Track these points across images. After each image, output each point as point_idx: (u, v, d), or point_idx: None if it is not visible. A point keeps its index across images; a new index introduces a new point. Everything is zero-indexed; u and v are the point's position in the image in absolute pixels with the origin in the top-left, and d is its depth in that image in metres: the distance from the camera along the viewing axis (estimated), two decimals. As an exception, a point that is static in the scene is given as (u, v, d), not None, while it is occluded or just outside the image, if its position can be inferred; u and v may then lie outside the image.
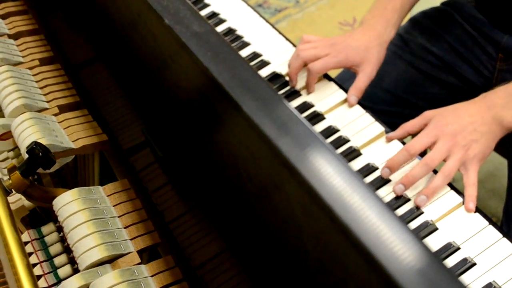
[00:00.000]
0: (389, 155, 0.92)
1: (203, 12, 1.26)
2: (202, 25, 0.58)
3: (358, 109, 1.00)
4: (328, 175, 0.45)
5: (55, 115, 0.89)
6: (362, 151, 0.94)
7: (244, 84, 0.52)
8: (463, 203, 0.86)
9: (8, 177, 0.77)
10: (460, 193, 0.87)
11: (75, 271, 0.74)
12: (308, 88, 1.06)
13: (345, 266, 0.47)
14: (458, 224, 0.84)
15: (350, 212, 0.43)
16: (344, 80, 1.20)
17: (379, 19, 1.06)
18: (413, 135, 0.94)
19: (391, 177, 0.90)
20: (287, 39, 1.16)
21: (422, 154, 0.98)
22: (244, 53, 1.14)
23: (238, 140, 0.58)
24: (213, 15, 1.25)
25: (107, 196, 0.79)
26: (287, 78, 1.08)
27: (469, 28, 1.19)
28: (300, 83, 1.06)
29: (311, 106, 1.02)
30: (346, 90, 1.03)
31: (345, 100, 1.02)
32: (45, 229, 0.79)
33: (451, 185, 0.88)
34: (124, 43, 0.88)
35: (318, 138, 0.48)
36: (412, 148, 0.89)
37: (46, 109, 0.90)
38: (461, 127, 0.90)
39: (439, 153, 0.88)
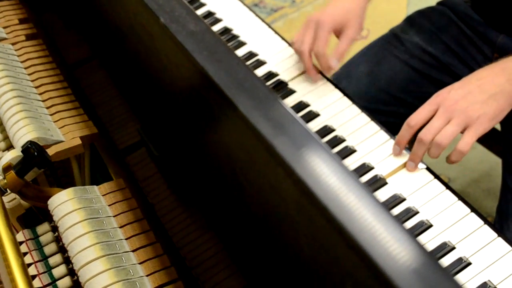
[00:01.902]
0: (385, 154, 0.92)
1: (199, 12, 1.26)
2: (198, 24, 0.58)
3: (355, 108, 1.00)
4: (324, 175, 0.45)
5: (51, 114, 0.89)
6: (358, 150, 0.94)
7: (240, 83, 0.52)
8: (457, 199, 0.85)
9: (3, 176, 0.77)
10: (455, 192, 0.87)
11: (70, 271, 0.74)
12: (328, 69, 1.04)
13: (341, 266, 0.47)
14: (454, 224, 0.84)
15: (346, 211, 0.43)
16: (340, 80, 1.21)
17: None
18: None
19: (387, 180, 0.90)
20: (283, 38, 1.16)
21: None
22: (240, 52, 1.14)
23: (234, 139, 0.58)
24: (209, 14, 1.25)
25: (103, 195, 0.79)
26: (282, 77, 1.07)
27: (465, 28, 1.19)
28: (298, 82, 1.06)
29: (307, 105, 1.02)
30: (341, 90, 1.03)
31: (341, 99, 1.02)
32: (40, 228, 0.78)
33: (446, 185, 0.88)
34: (120, 42, 0.88)
35: (314, 137, 0.48)
36: (411, 121, 0.87)
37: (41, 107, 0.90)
38: (465, 92, 0.86)
39: (438, 122, 0.85)
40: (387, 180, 0.90)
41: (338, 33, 1.05)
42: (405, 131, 0.89)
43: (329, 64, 1.02)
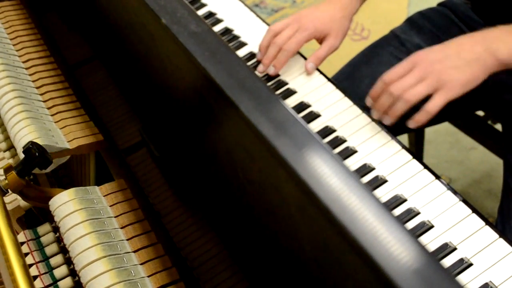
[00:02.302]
0: (386, 155, 0.92)
1: (200, 12, 1.26)
2: (199, 25, 0.58)
3: (355, 109, 1.00)
4: (326, 176, 0.45)
5: (52, 115, 0.89)
6: (359, 150, 0.94)
7: (242, 84, 0.52)
8: (459, 200, 0.85)
9: (4, 177, 0.77)
10: (457, 193, 0.87)
11: (71, 271, 0.74)
12: (277, 65, 1.06)
13: (342, 266, 0.47)
14: (455, 225, 0.84)
15: (347, 212, 0.43)
16: (341, 80, 1.20)
17: None
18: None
19: (387, 178, 0.90)
20: (283, 39, 1.16)
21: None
22: (241, 53, 1.14)
23: (235, 140, 0.58)
24: (210, 15, 1.25)
25: (104, 196, 0.79)
26: (282, 77, 1.07)
27: (465, 29, 1.19)
28: (299, 82, 1.06)
29: (308, 106, 1.02)
30: (342, 90, 1.03)
31: (342, 100, 1.02)
32: (41, 229, 0.78)
33: (447, 186, 0.88)
34: (121, 42, 0.88)
35: (315, 138, 0.48)
36: (386, 77, 0.89)
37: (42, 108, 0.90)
38: (443, 55, 0.88)
39: (410, 79, 0.87)
40: (388, 180, 0.90)
41: (319, 39, 1.08)
42: (379, 87, 0.91)
43: (305, 67, 1.06)
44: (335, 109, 1.01)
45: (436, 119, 1.33)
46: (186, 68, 0.62)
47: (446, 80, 0.86)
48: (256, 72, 0.92)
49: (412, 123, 0.90)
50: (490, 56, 0.87)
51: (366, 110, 1.00)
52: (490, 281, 0.77)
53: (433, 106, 0.87)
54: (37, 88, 0.94)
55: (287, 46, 1.04)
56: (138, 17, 0.70)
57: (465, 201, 0.86)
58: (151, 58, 0.75)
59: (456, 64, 0.87)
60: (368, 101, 0.94)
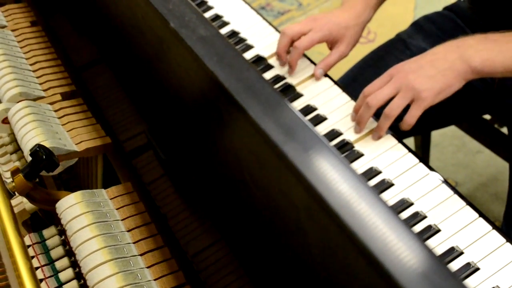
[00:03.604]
0: (392, 158, 0.92)
1: (207, 15, 1.26)
2: (208, 29, 0.58)
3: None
4: (334, 180, 0.45)
5: (59, 118, 0.89)
6: (365, 153, 0.94)
7: (250, 89, 0.52)
8: (465, 204, 0.85)
9: (11, 179, 0.77)
10: (463, 197, 0.87)
11: (77, 274, 0.74)
12: (291, 65, 1.07)
13: (349, 270, 0.47)
14: (462, 229, 0.83)
15: (357, 218, 0.43)
16: (347, 83, 1.20)
17: (359, 0, 1.08)
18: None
19: (394, 181, 0.90)
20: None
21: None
22: (247, 56, 1.14)
23: (243, 144, 0.58)
24: (216, 17, 1.25)
25: (110, 199, 0.79)
26: (289, 81, 1.07)
27: (471, 33, 1.19)
28: (305, 85, 1.06)
29: (314, 109, 1.02)
30: (349, 93, 1.03)
31: (348, 103, 1.02)
32: (47, 232, 0.79)
33: (454, 190, 0.88)
34: (128, 45, 0.88)
35: (323, 143, 0.48)
36: (366, 90, 0.92)
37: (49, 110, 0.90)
38: (417, 66, 0.90)
39: (386, 90, 0.90)
40: (395, 184, 0.90)
41: (330, 44, 1.08)
42: (360, 100, 0.94)
43: (314, 73, 1.06)
44: (341, 112, 1.01)
45: (442, 123, 1.33)
46: (194, 72, 0.62)
47: (420, 89, 0.88)
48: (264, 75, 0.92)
49: (403, 126, 0.92)
50: (463, 64, 0.88)
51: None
52: (497, 286, 0.77)
53: (411, 117, 0.90)
54: (44, 90, 0.94)
55: (298, 43, 1.04)
56: (146, 20, 0.70)
57: (472, 205, 0.86)
58: (159, 61, 0.75)
59: (430, 73, 0.88)
60: (352, 116, 0.97)
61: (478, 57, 0.88)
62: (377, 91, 0.92)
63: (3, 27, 1.06)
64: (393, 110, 0.90)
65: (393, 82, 0.90)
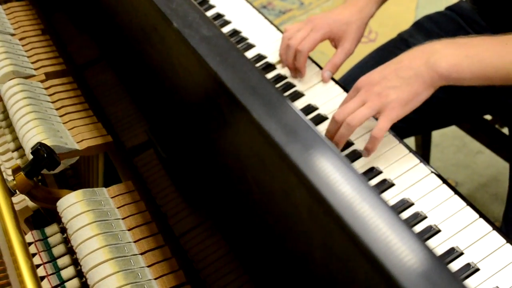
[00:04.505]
0: (393, 158, 0.92)
1: (208, 14, 1.26)
2: (210, 29, 0.58)
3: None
4: (335, 180, 0.45)
5: (61, 116, 0.89)
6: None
7: (253, 89, 0.52)
8: (466, 204, 0.85)
9: (12, 177, 0.77)
10: (464, 198, 0.87)
11: (79, 272, 0.74)
12: (301, 71, 1.06)
13: (351, 272, 0.47)
14: (462, 229, 0.84)
15: (358, 218, 0.43)
16: (348, 83, 1.20)
17: None
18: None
19: (395, 181, 0.90)
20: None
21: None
22: (249, 55, 1.14)
23: (245, 144, 0.58)
24: (218, 16, 1.25)
25: (111, 198, 0.79)
26: (290, 80, 1.07)
27: (473, 33, 1.19)
28: (307, 85, 1.06)
29: (315, 108, 1.02)
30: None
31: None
32: (49, 230, 0.79)
33: (455, 190, 0.88)
34: (130, 44, 0.88)
35: (326, 143, 0.48)
36: (336, 113, 0.88)
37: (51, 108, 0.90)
38: (382, 76, 0.86)
39: (351, 104, 0.86)
40: (395, 184, 0.90)
41: (334, 42, 1.07)
42: (331, 124, 0.90)
43: (322, 75, 1.05)
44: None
45: (443, 123, 1.33)
46: (197, 72, 0.62)
47: (386, 101, 0.85)
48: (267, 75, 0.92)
49: (364, 153, 0.90)
50: (429, 70, 0.84)
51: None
52: (497, 286, 0.77)
53: (378, 130, 0.86)
54: (45, 89, 0.94)
55: (301, 47, 1.03)
56: (148, 20, 0.70)
57: (472, 206, 0.86)
58: (161, 60, 0.75)
59: (394, 84, 0.85)
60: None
61: (445, 62, 0.83)
62: (343, 105, 0.89)
63: (13, 35, 1.05)
64: (356, 119, 0.86)
65: (360, 95, 0.87)
